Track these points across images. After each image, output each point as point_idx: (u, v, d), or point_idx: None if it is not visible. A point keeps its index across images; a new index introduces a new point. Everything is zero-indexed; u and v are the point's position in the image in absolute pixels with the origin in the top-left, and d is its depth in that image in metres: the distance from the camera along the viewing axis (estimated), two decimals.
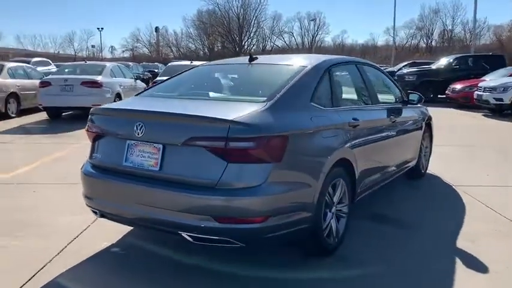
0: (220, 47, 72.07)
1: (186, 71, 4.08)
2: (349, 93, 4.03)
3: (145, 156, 2.86)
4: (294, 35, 76.17)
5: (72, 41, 77.77)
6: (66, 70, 12.63)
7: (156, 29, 73.00)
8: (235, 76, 3.91)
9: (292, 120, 2.92)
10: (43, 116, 11.75)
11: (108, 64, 12.65)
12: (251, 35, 73.67)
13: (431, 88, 16.80)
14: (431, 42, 71.94)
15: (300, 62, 3.66)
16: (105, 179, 3.06)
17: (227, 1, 69.53)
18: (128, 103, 3.50)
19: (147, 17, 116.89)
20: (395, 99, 4.83)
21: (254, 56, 3.84)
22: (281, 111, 2.89)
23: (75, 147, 7.32)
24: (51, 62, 22.61)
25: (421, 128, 5.22)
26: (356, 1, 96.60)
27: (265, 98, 2.98)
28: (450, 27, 69.87)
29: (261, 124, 2.68)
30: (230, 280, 2.94)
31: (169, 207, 2.72)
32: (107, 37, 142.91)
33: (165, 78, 5.87)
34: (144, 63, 39.26)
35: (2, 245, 3.46)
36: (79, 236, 3.63)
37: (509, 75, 13.70)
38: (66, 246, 3.42)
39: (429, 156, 5.79)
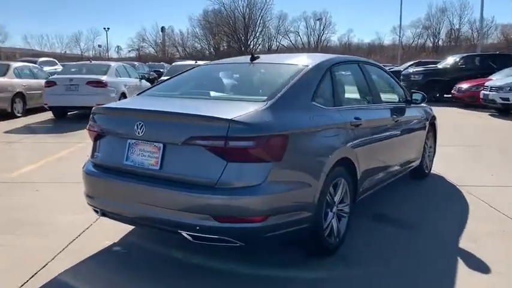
0: (226, 47, 72.13)
1: (187, 70, 4.08)
2: (351, 93, 4.01)
3: (145, 155, 2.87)
4: (300, 34, 76.13)
5: (78, 41, 78.30)
6: (72, 70, 12.71)
7: (162, 28, 73.28)
8: (237, 75, 3.91)
9: (292, 119, 2.91)
10: (49, 115, 11.82)
11: (113, 64, 12.71)
12: (257, 35, 73.73)
13: (437, 88, 16.73)
14: (438, 41, 71.64)
15: (301, 61, 3.65)
16: (106, 178, 3.07)
17: (233, 1, 69.66)
18: (128, 102, 3.51)
19: (153, 17, 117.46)
20: (399, 98, 4.80)
21: (256, 56, 3.84)
22: (281, 110, 2.88)
23: (80, 146, 7.35)
24: (57, 61, 22.76)
25: (424, 128, 5.19)
26: (362, 0, 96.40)
27: (265, 97, 2.97)
28: (457, 27, 69.59)
29: (261, 123, 2.67)
30: (231, 280, 2.94)
31: (169, 206, 2.73)
32: (113, 37, 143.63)
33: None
34: (149, 63, 39.41)
35: (4, 244, 3.49)
36: (81, 235, 3.64)
37: None
38: (68, 245, 3.44)
39: (433, 156, 5.76)
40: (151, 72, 25.56)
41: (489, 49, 41.34)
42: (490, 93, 12.77)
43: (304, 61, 3.61)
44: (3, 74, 11.67)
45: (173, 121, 2.82)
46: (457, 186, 5.15)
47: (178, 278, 2.96)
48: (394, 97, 4.78)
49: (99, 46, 75.31)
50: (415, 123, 4.91)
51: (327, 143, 3.14)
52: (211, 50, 72.50)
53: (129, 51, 75.87)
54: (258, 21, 72.06)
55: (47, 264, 3.12)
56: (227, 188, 2.62)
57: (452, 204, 4.59)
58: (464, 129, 10.13)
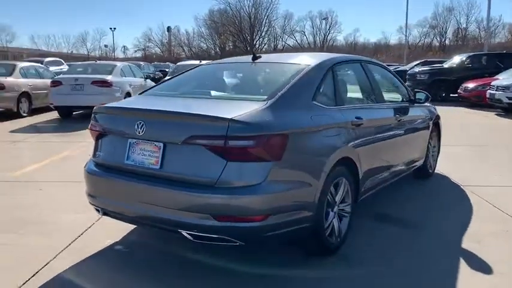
0: (231, 47, 72.16)
1: (189, 69, 4.09)
2: (353, 92, 3.99)
3: (146, 154, 2.87)
4: (306, 34, 76.06)
5: (85, 40, 78.77)
6: (77, 70, 12.77)
7: (168, 28, 73.50)
8: (238, 75, 3.91)
9: (292, 118, 2.91)
10: (54, 115, 11.89)
11: (118, 64, 12.76)
12: (262, 34, 73.72)
13: (443, 87, 16.65)
14: (444, 40, 71.25)
15: (303, 60, 3.65)
16: (108, 177, 3.08)
17: (238, 0, 69.76)
18: (129, 102, 3.53)
19: (159, 17, 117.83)
20: (402, 98, 4.78)
21: (257, 55, 3.83)
22: (282, 109, 2.88)
23: (84, 145, 7.37)
24: (63, 61, 22.88)
25: (428, 128, 5.16)
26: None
27: (266, 97, 2.97)
28: (464, 26, 69.16)
29: (261, 123, 2.67)
30: (232, 279, 2.94)
31: (169, 205, 2.73)
32: (119, 37, 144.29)
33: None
34: (155, 62, 39.54)
35: (8, 242, 3.51)
36: (83, 234, 3.66)
37: None
38: (70, 244, 3.45)
39: (437, 156, 5.72)
40: (157, 72, 25.63)
41: (496, 48, 41.08)
42: (497, 92, 12.68)
43: (306, 60, 3.60)
44: (10, 74, 11.76)
45: (173, 120, 2.82)
46: (461, 186, 5.11)
47: (179, 278, 2.97)
48: (397, 97, 4.76)
49: (106, 46, 75.75)
50: (418, 123, 4.89)
51: (328, 142, 3.13)
52: (217, 49, 72.56)
53: (135, 51, 76.30)
54: (264, 21, 72.13)
55: (48, 262, 3.13)
56: (227, 187, 2.61)
57: (455, 204, 4.56)
58: (470, 129, 10.07)
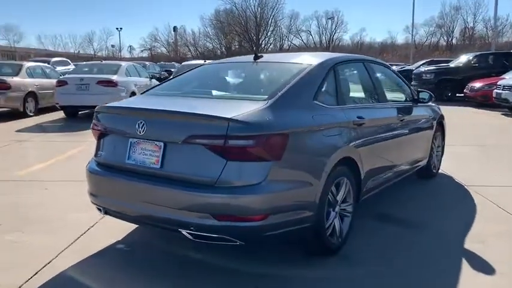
0: (237, 46, 72.17)
1: (191, 69, 4.10)
2: (355, 92, 3.99)
3: (147, 154, 2.89)
4: (312, 33, 75.86)
5: (91, 40, 79.09)
6: (83, 69, 12.84)
7: (174, 28, 73.65)
8: (239, 74, 3.92)
9: (293, 118, 2.90)
10: (60, 114, 11.96)
11: (123, 63, 12.81)
12: (268, 34, 73.67)
13: (450, 87, 16.55)
14: (451, 40, 70.77)
15: (304, 60, 3.64)
16: (109, 176, 3.10)
17: (244, 0, 69.75)
18: (131, 101, 3.54)
19: (166, 16, 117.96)
20: (405, 98, 4.76)
21: (259, 55, 3.83)
22: (282, 109, 2.88)
23: (89, 145, 7.40)
24: (70, 61, 23.02)
25: (432, 127, 5.13)
26: None
27: (266, 96, 2.97)
28: (471, 25, 68.67)
29: (261, 122, 2.67)
30: (233, 279, 2.94)
31: (169, 204, 2.74)
32: (125, 37, 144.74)
33: None
34: (161, 62, 39.67)
35: (11, 240, 3.54)
36: (86, 233, 3.68)
37: None
38: (72, 243, 3.47)
39: (441, 155, 5.69)
40: (163, 72, 25.71)
41: (503, 47, 40.81)
42: (503, 92, 12.58)
43: (307, 60, 3.60)
44: (16, 74, 11.85)
45: (173, 120, 2.83)
46: (465, 186, 5.08)
47: (180, 277, 2.97)
48: (400, 96, 4.74)
49: (113, 46, 76.08)
50: (421, 123, 4.86)
51: (329, 142, 3.12)
52: (223, 49, 72.57)
53: (142, 51, 76.55)
54: (270, 21, 72.08)
55: (51, 261, 3.15)
56: (227, 186, 2.62)
57: (458, 204, 4.54)
58: (475, 129, 10.01)
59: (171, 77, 11.45)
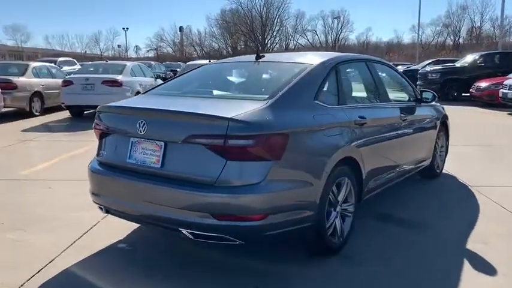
0: (243, 46, 72.19)
1: (193, 69, 4.11)
2: (357, 91, 3.97)
3: (147, 153, 2.90)
4: (318, 33, 75.71)
5: (98, 40, 79.42)
6: (89, 69, 12.91)
7: (180, 28, 73.87)
8: (241, 74, 3.93)
9: (293, 118, 2.90)
10: (66, 114, 12.02)
11: (128, 63, 12.86)
12: (274, 34, 73.61)
13: (455, 86, 16.48)
14: (458, 39, 70.32)
15: (306, 59, 3.64)
16: (110, 176, 3.11)
17: (250, 0, 69.73)
18: (132, 101, 3.56)
19: (172, 16, 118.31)
20: (408, 97, 4.74)
21: (261, 54, 3.84)
22: (282, 109, 2.88)
23: (94, 144, 7.43)
24: (76, 61, 23.14)
25: (435, 127, 5.11)
26: None
27: (267, 96, 2.97)
28: (478, 24, 68.23)
29: (260, 122, 2.67)
30: (233, 279, 2.95)
31: (169, 204, 2.75)
32: (132, 37, 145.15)
33: None
34: (167, 62, 39.79)
35: (13, 239, 3.57)
36: (88, 232, 3.70)
37: None
38: (74, 242, 3.50)
39: (445, 156, 5.67)
40: (168, 72, 25.78)
41: (511, 47, 40.46)
42: (509, 91, 12.52)
43: (309, 59, 3.60)
44: (22, 74, 11.92)
45: (174, 119, 2.84)
46: (469, 187, 5.06)
47: (180, 277, 2.98)
48: (403, 96, 4.73)
49: (119, 46, 76.35)
50: (424, 123, 4.84)
51: (330, 141, 3.12)
52: (229, 49, 72.59)
53: (148, 51, 76.81)
54: (276, 20, 72.02)
55: (53, 260, 3.18)
56: (226, 186, 2.62)
57: (461, 204, 4.52)
58: (481, 129, 9.95)
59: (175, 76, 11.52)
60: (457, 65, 17.74)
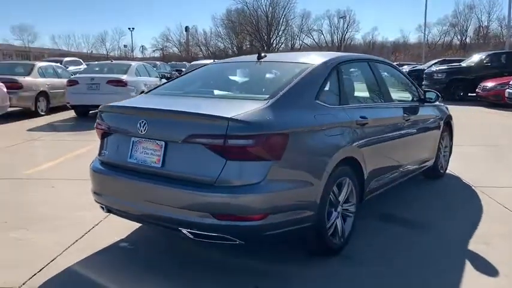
0: (248, 46, 72.23)
1: (195, 69, 4.11)
2: (358, 91, 3.95)
3: (148, 153, 2.91)
4: (323, 33, 75.64)
5: (104, 41, 79.81)
6: (94, 69, 12.97)
7: (186, 28, 74.07)
8: (242, 74, 3.93)
9: (294, 118, 2.90)
10: (71, 114, 12.08)
11: (133, 63, 12.90)
12: (279, 34, 73.71)
13: (461, 86, 16.38)
14: (465, 39, 70.00)
15: (307, 59, 3.63)
16: (112, 175, 3.12)
17: (256, 0, 69.74)
18: (133, 101, 3.57)
19: (177, 16, 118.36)
20: (412, 97, 4.72)
21: (263, 54, 3.83)
22: (283, 109, 2.87)
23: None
24: (82, 61, 23.24)
25: (439, 127, 5.08)
26: None
27: (267, 96, 2.97)
28: (485, 24, 67.84)
29: (260, 122, 2.67)
30: (233, 279, 2.95)
31: (170, 203, 2.76)
32: (137, 37, 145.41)
33: None
34: (172, 62, 39.91)
35: (16, 238, 3.59)
36: (90, 231, 3.72)
37: None
38: (76, 241, 3.51)
39: (449, 156, 5.64)
40: (173, 72, 25.86)
41: None
42: None
43: (310, 59, 3.59)
44: (28, 74, 11.99)
45: (174, 119, 2.85)
46: (473, 187, 5.03)
47: (180, 276, 2.99)
48: (406, 96, 4.70)
49: (125, 46, 76.65)
50: (428, 123, 4.82)
51: (331, 141, 3.11)
52: (234, 49, 72.66)
53: (154, 51, 77.07)
54: (281, 20, 72.09)
55: (55, 258, 3.19)
56: (226, 186, 2.63)
57: (465, 204, 4.49)
58: (487, 129, 9.89)
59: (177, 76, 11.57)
60: (463, 64, 17.64)
